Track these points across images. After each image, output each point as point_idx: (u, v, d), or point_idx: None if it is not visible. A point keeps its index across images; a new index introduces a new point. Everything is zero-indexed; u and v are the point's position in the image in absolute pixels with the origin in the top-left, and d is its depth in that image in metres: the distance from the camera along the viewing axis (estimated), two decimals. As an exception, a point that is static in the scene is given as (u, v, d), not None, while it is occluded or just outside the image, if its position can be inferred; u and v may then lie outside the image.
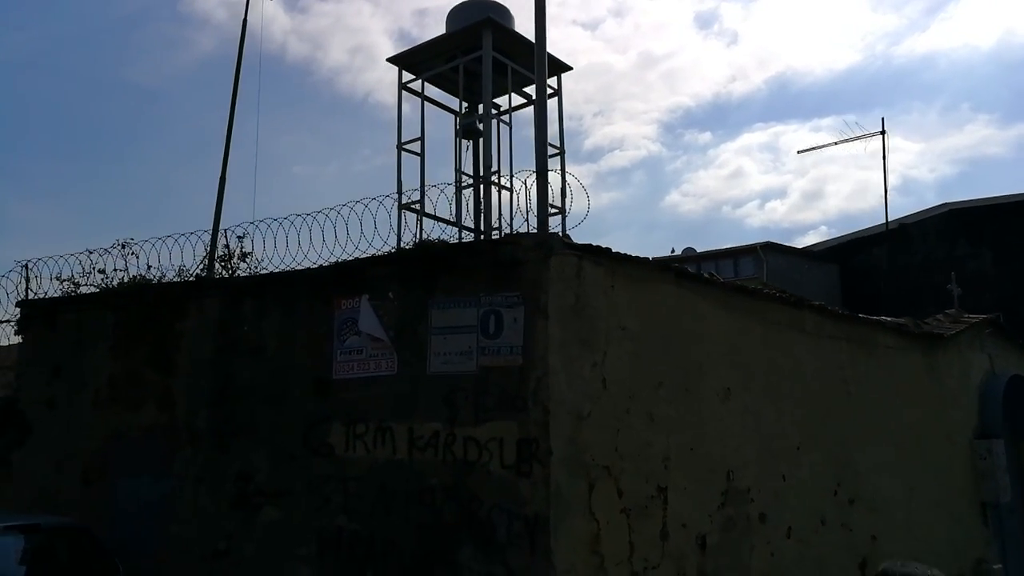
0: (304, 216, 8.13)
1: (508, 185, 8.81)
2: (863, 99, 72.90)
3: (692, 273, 7.24)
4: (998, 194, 24.61)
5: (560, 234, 6.88)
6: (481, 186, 10.22)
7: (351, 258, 7.49)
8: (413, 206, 8.11)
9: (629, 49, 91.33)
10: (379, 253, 7.38)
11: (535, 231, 6.69)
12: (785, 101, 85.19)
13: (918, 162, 71.24)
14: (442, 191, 7.71)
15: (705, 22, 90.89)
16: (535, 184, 6.73)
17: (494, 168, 10.20)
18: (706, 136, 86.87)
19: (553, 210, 7.15)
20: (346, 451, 6.88)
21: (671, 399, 6.86)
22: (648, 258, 6.87)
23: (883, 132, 16.40)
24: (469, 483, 6.19)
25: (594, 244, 6.50)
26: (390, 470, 6.61)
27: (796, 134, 75.99)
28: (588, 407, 6.20)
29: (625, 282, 6.74)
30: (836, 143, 17.51)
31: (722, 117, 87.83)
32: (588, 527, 5.96)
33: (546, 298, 6.20)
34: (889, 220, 31.11)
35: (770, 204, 76.41)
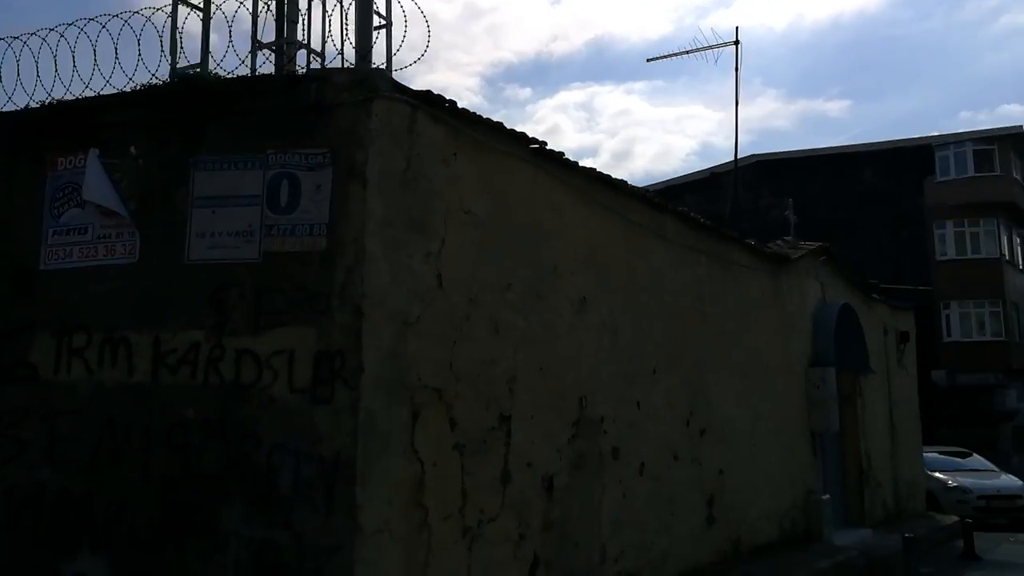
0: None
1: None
2: (673, 67, 75.85)
3: (553, 151, 5.72)
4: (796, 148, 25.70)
5: (387, 71, 5.04)
6: None
7: (75, 97, 5.16)
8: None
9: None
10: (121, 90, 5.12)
11: (352, 67, 4.82)
12: (602, 64, 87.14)
13: (716, 130, 75.63)
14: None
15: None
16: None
17: None
18: (526, 92, 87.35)
19: (377, 24, 5.23)
20: (56, 373, 4.72)
21: (520, 306, 5.37)
22: (501, 123, 5.25)
23: (736, 42, 15.73)
24: (242, 415, 4.35)
25: (434, 92, 4.75)
26: (122, 400, 4.58)
27: (611, 95, 78.00)
28: (417, 310, 4.54)
29: (471, 151, 5.08)
30: (688, 52, 16.66)
31: (542, 74, 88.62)
32: (409, 471, 4.36)
33: (365, 157, 4.41)
34: (701, 170, 32.18)
35: (583, 162, 77.76)
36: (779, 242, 11.01)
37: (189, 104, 4.83)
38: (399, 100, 4.58)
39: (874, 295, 12.82)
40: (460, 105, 4.92)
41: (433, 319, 4.62)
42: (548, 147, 5.68)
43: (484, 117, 5.14)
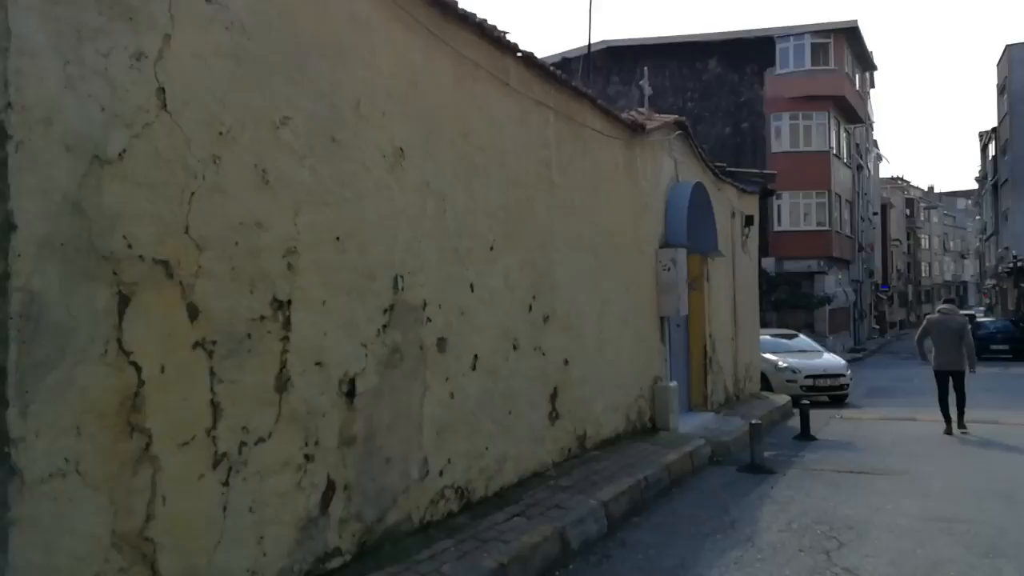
0: None
1: None
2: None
3: (349, -64, 4.11)
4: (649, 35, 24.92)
5: None
6: None
7: None
8: None
9: None
10: None
11: None
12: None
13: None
14: None
15: None
16: None
17: None
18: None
19: None
20: None
21: (304, 151, 3.89)
22: None
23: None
24: None
25: None
26: None
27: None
28: (120, 141, 2.95)
29: (216, -90, 3.39)
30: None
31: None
32: (114, 382, 2.90)
33: None
34: (552, 55, 30.85)
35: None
36: (632, 113, 10.00)
37: None
38: None
39: (724, 176, 12.29)
40: None
41: (151, 158, 3.06)
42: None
43: None
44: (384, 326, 4.44)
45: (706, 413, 10.63)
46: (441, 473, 4.96)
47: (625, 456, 7.21)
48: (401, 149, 4.64)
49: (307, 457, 3.83)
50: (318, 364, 3.92)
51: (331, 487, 3.99)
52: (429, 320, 4.88)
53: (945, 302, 11.42)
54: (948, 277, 74.06)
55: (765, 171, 14.98)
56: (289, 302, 3.75)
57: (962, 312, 13.47)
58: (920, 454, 8.73)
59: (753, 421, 8.03)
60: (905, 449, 9.06)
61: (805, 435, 9.97)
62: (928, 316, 11.03)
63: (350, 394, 4.14)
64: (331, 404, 4.00)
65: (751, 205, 13.71)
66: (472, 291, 5.39)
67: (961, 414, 10.18)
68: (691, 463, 7.61)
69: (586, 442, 7.18)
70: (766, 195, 14.56)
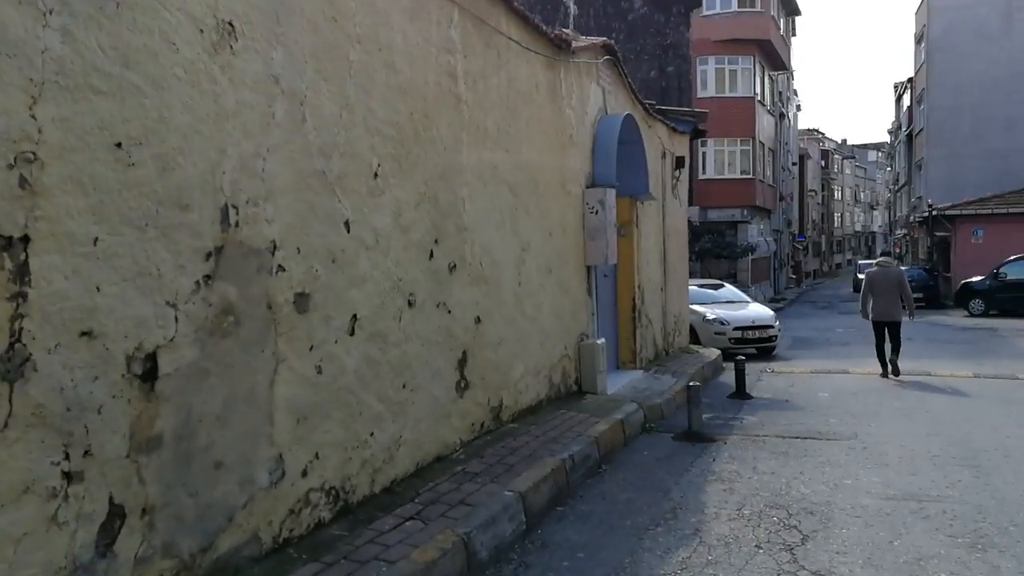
0: None
1: None
2: None
3: None
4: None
5: None
6: None
7: None
8: None
9: None
10: None
11: None
12: None
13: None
14: None
15: None
16: None
17: None
18: None
19: None
20: None
21: (53, 4, 2.48)
22: None
23: None
24: None
25: None
26: None
27: None
28: None
29: None
30: None
31: None
32: None
33: None
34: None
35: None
36: (555, 33, 8.70)
37: None
38: None
39: (654, 114, 11.19)
40: None
41: None
42: None
43: None
44: (207, 277, 3.11)
45: (635, 371, 9.72)
46: (304, 473, 3.72)
47: (548, 428, 6.14)
48: (231, 24, 3.25)
49: (68, 476, 2.51)
50: (85, 335, 2.58)
51: (117, 514, 2.69)
52: (282, 269, 3.57)
53: (882, 255, 11.73)
54: (858, 228, 76.50)
55: (697, 110, 13.97)
56: (24, 240, 2.38)
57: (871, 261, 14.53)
58: (864, 413, 8.04)
59: (691, 383, 7.08)
60: (846, 407, 8.37)
61: (740, 393, 9.20)
62: (868, 271, 11.01)
63: (148, 376, 2.83)
64: (112, 393, 2.68)
65: (682, 146, 12.72)
66: (348, 231, 4.09)
67: (895, 361, 10.34)
68: (623, 433, 6.62)
69: (502, 413, 6.07)
70: (697, 135, 13.59)
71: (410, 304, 4.72)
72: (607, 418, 6.63)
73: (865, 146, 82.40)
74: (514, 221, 6.32)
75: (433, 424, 5.01)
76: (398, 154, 4.58)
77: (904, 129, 42.32)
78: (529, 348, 6.56)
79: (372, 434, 4.29)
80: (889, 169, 59.32)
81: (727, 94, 28.09)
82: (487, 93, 5.83)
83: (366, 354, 4.23)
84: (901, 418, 7.76)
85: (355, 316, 4.14)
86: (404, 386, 4.63)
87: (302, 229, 3.71)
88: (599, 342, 7.99)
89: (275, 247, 3.52)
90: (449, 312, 5.21)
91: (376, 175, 4.36)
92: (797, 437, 6.91)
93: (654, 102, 12.19)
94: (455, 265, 5.29)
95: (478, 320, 5.59)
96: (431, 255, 5.00)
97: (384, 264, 4.42)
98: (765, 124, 31.00)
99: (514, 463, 5.12)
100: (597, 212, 8.24)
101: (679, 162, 12.27)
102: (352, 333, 4.11)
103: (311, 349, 3.77)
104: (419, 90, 4.84)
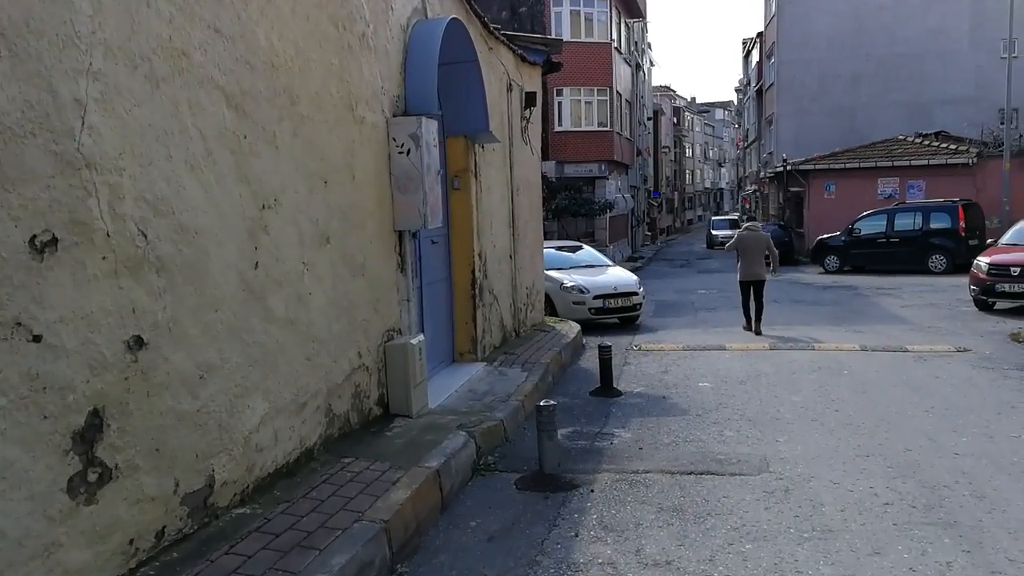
0: None
1: None
2: None
3: None
4: None
5: None
6: None
7: None
8: None
9: None
10: None
11: None
12: None
13: None
14: None
15: None
16: None
17: None
18: None
19: None
20: None
21: None
22: None
23: None
24: None
25: None
26: None
27: None
28: None
29: None
30: None
31: None
32: None
33: None
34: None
35: None
36: None
37: None
38: None
39: (497, 34, 8.74)
40: None
41: None
42: None
43: None
44: None
45: (476, 364, 7.42)
46: None
47: (305, 506, 3.67)
48: None
49: None
50: None
51: None
52: None
53: (749, 219, 12.08)
54: (708, 185, 78.49)
55: (549, 37, 11.62)
56: None
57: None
58: (763, 418, 6.17)
59: (542, 403, 4.79)
60: (738, 407, 6.50)
61: (607, 388, 7.16)
62: (739, 233, 11.59)
63: None
64: None
65: (533, 81, 10.39)
66: None
67: (759, 319, 11.01)
68: (440, 493, 4.27)
69: (216, 498, 3.51)
70: (551, 69, 11.27)
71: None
72: (415, 469, 4.24)
73: (713, 104, 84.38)
74: (239, 158, 3.68)
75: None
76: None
77: (754, 85, 42.49)
78: (279, 371, 4.00)
79: None
80: (737, 127, 60.51)
81: (583, 39, 26.11)
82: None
83: None
84: (811, 425, 5.94)
85: None
86: None
87: None
88: (414, 341, 5.55)
89: None
90: (35, 340, 2.56)
91: None
92: (691, 473, 4.86)
93: (499, 26, 9.75)
94: (54, 241, 2.62)
95: (138, 344, 2.97)
96: (32, 241, 2.33)
97: None
98: (622, 74, 29.43)
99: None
100: (410, 152, 5.73)
101: (530, 99, 9.93)
102: None
103: None
104: None
